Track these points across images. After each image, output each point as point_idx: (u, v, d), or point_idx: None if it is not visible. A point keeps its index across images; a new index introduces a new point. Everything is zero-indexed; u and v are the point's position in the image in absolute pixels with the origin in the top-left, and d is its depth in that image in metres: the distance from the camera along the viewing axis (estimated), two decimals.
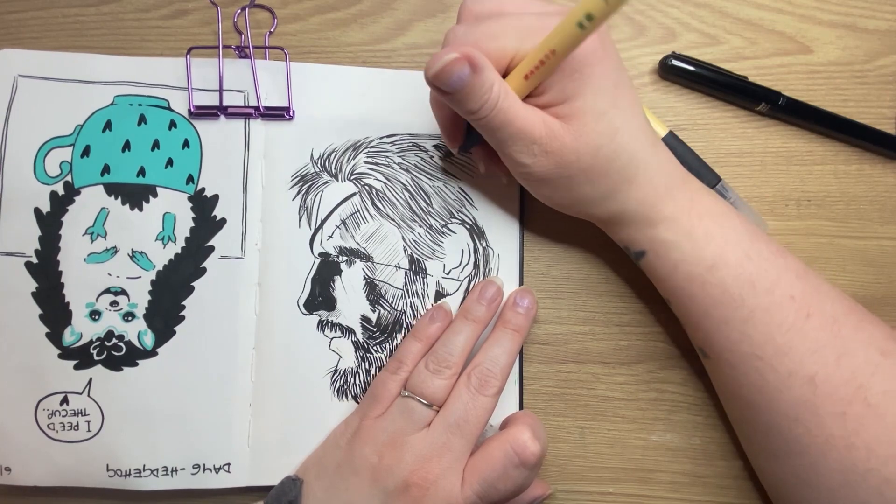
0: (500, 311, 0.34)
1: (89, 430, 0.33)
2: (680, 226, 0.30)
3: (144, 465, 0.34)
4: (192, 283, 0.35)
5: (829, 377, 0.28)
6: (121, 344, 0.34)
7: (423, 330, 0.34)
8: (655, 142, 0.30)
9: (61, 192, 0.35)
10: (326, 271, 0.35)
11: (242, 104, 0.36)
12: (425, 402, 0.31)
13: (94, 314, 0.34)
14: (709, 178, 0.36)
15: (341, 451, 0.32)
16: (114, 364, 0.34)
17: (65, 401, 0.33)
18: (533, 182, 0.31)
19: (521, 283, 0.36)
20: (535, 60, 0.26)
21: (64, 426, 0.33)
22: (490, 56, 0.27)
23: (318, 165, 0.36)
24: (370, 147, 0.36)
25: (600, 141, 0.28)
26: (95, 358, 0.34)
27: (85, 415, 0.34)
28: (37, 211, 0.34)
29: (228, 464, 0.34)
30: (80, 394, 0.34)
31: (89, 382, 0.34)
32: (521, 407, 0.36)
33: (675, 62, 0.37)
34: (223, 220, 0.35)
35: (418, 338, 0.34)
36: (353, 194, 0.36)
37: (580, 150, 0.28)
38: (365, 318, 0.35)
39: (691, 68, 0.37)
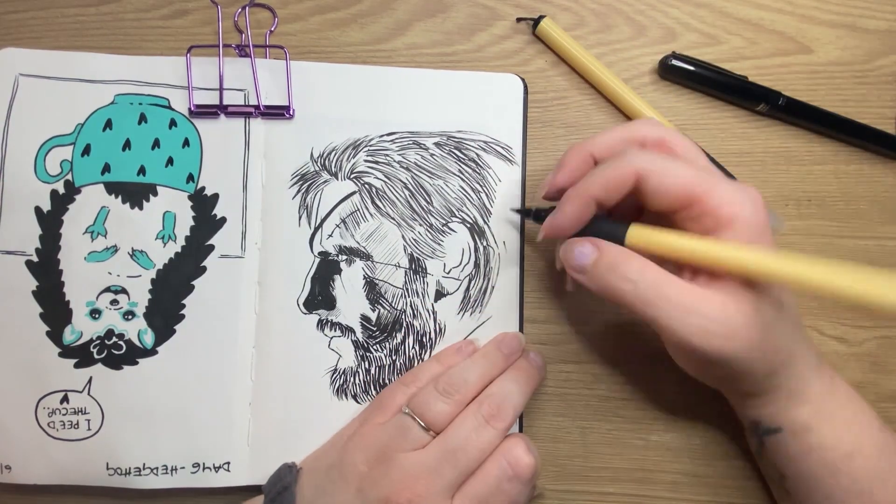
0: (516, 362, 0.34)
1: (89, 429, 0.34)
2: (824, 409, 0.30)
3: (144, 464, 0.34)
4: (192, 282, 0.35)
5: None
6: (121, 343, 0.34)
7: (448, 356, 0.34)
8: (804, 332, 0.30)
9: (62, 190, 0.35)
10: (326, 270, 0.36)
11: (242, 103, 0.36)
12: (423, 424, 0.31)
13: (95, 313, 0.35)
14: None
15: (336, 453, 0.32)
16: (114, 363, 0.34)
17: (65, 399, 0.34)
18: (705, 364, 0.29)
19: (521, 283, 0.36)
20: (702, 261, 0.26)
21: (64, 424, 0.34)
22: (667, 191, 0.27)
23: (318, 164, 0.36)
24: (370, 145, 0.37)
25: (772, 312, 0.28)
26: (96, 356, 0.34)
27: (85, 413, 0.34)
28: (37, 209, 0.35)
29: (228, 462, 0.35)
30: (81, 392, 0.34)
31: (89, 381, 0.34)
32: None
33: (675, 62, 0.37)
34: (223, 219, 0.36)
35: (440, 361, 0.34)
36: (353, 193, 0.36)
37: (758, 325, 0.27)
38: (365, 318, 0.36)
39: (691, 68, 0.37)
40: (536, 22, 0.37)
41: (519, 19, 0.38)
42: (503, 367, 0.33)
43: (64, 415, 0.34)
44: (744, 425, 0.33)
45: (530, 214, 0.33)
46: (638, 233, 0.29)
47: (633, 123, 0.31)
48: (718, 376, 0.31)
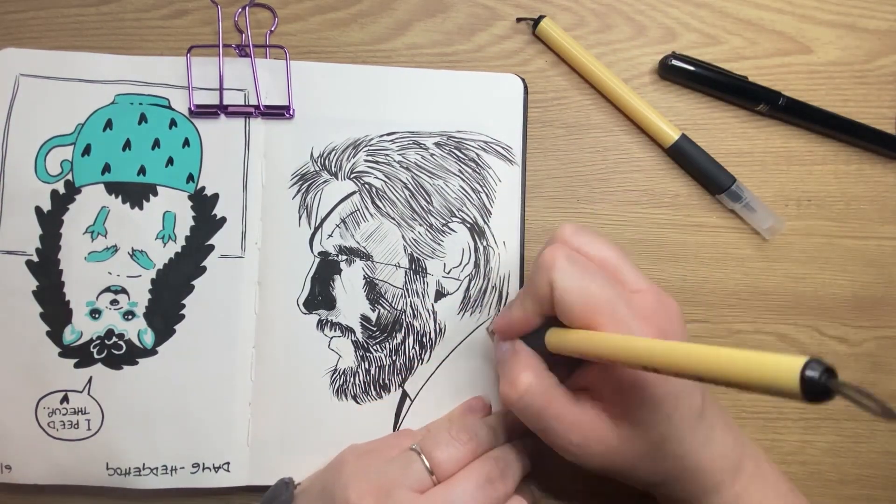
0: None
1: (89, 429, 0.34)
2: (740, 500, 0.30)
3: (144, 464, 0.34)
4: (192, 282, 0.35)
5: None
6: (121, 342, 0.34)
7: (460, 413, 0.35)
8: (711, 432, 0.29)
9: (62, 190, 0.35)
10: (326, 270, 0.36)
11: (243, 103, 0.37)
12: (428, 466, 0.30)
13: (95, 313, 0.35)
14: (724, 179, 0.36)
15: (332, 476, 0.31)
16: (114, 363, 0.34)
17: (65, 399, 0.34)
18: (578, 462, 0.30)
19: (521, 283, 0.36)
20: (594, 352, 0.26)
21: (64, 424, 0.34)
22: (581, 320, 0.27)
23: (318, 164, 0.36)
24: (370, 145, 0.37)
25: (646, 448, 0.28)
26: (95, 356, 0.34)
27: (85, 413, 0.34)
28: (38, 209, 0.35)
29: (228, 463, 0.35)
30: (81, 392, 0.34)
31: (89, 381, 0.34)
32: None
33: (675, 62, 0.37)
34: (223, 219, 0.36)
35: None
36: (353, 193, 0.36)
37: (625, 453, 0.28)
38: (364, 318, 0.36)
39: (691, 68, 0.37)
40: (536, 22, 0.37)
41: (519, 19, 0.38)
42: (505, 440, 0.33)
43: (64, 415, 0.34)
44: None
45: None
46: (555, 334, 0.29)
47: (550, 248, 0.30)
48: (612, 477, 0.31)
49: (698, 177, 0.37)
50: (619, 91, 0.37)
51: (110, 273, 0.35)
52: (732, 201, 0.37)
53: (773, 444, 0.37)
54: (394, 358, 0.36)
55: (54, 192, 0.35)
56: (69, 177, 0.35)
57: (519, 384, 0.29)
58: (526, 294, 0.30)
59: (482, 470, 0.30)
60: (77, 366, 0.34)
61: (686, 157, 0.37)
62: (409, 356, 0.36)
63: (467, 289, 0.36)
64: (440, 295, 0.36)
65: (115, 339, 0.34)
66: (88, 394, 0.34)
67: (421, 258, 0.36)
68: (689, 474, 0.29)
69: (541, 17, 0.37)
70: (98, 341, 0.34)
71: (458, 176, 0.37)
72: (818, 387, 0.16)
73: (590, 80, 0.38)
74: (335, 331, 0.36)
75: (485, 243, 0.36)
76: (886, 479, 0.37)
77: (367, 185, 0.36)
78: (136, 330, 0.35)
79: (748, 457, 0.31)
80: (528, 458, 0.33)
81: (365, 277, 0.36)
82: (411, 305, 0.36)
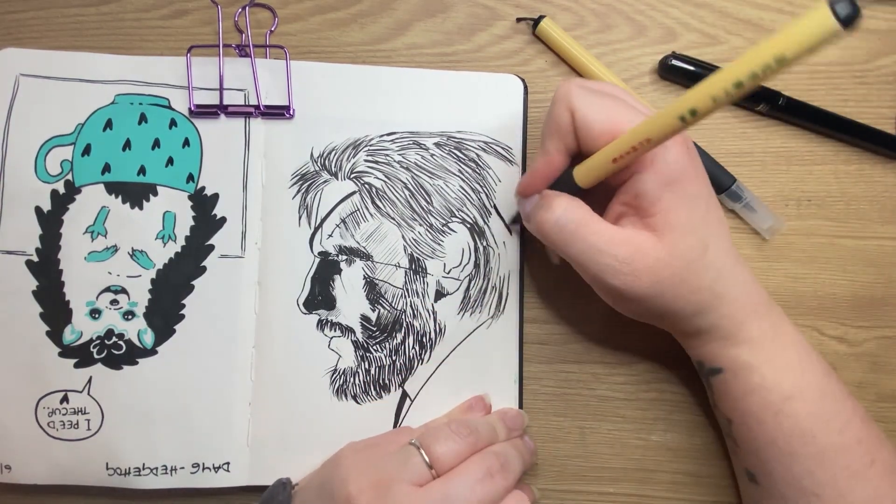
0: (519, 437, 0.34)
1: (89, 429, 0.34)
2: (764, 350, 0.30)
3: (144, 464, 0.34)
4: (192, 282, 0.35)
5: None
6: (121, 342, 0.34)
7: (460, 412, 0.35)
8: (739, 260, 0.31)
9: (62, 190, 0.35)
10: (326, 270, 0.36)
11: (243, 103, 0.37)
12: (428, 460, 0.30)
13: (95, 313, 0.35)
14: (724, 179, 0.36)
15: (330, 470, 0.31)
16: (114, 363, 0.34)
17: (65, 399, 0.34)
18: (622, 300, 0.30)
19: (521, 283, 0.36)
20: (626, 145, 0.26)
21: (64, 424, 0.34)
22: (607, 137, 0.28)
23: (318, 164, 0.36)
24: (370, 145, 0.37)
25: (692, 255, 0.29)
26: (95, 356, 0.34)
27: (85, 413, 0.34)
28: (38, 209, 0.35)
29: (228, 463, 0.35)
30: (81, 392, 0.34)
31: (89, 381, 0.34)
32: (520, 407, 0.36)
33: (675, 62, 0.37)
34: (223, 219, 0.36)
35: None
36: (353, 193, 0.36)
37: (673, 265, 0.28)
38: (364, 318, 0.36)
39: (691, 68, 0.37)
40: (536, 22, 0.37)
41: (519, 19, 0.38)
42: (505, 437, 0.33)
43: (64, 415, 0.34)
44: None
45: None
46: (581, 166, 0.30)
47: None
48: (644, 313, 0.31)
49: None
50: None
51: (110, 273, 0.35)
52: (732, 201, 0.37)
53: None
54: (394, 358, 0.36)
55: (54, 192, 0.35)
56: (69, 177, 0.35)
57: (555, 206, 0.29)
58: (547, 134, 0.30)
59: (482, 463, 0.30)
60: (77, 366, 0.34)
61: None
62: (409, 356, 0.36)
63: (467, 289, 0.36)
64: (440, 295, 0.36)
65: (114, 339, 0.34)
66: (88, 394, 0.34)
67: (421, 258, 0.36)
68: (730, 292, 0.30)
69: (541, 17, 0.37)
70: (98, 341, 0.34)
71: (458, 176, 0.37)
72: (850, 15, 0.19)
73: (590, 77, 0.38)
74: (335, 331, 0.36)
75: (485, 243, 0.36)
76: None
77: (367, 185, 0.36)
78: (136, 330, 0.35)
79: (772, 300, 0.31)
80: (529, 455, 0.34)
81: (365, 277, 0.36)
82: (411, 305, 0.36)
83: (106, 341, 0.34)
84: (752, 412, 0.30)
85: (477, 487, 0.29)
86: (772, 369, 0.30)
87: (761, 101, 0.37)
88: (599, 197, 0.31)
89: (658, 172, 0.28)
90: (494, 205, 0.36)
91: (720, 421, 0.34)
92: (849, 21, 0.19)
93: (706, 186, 0.30)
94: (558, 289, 0.37)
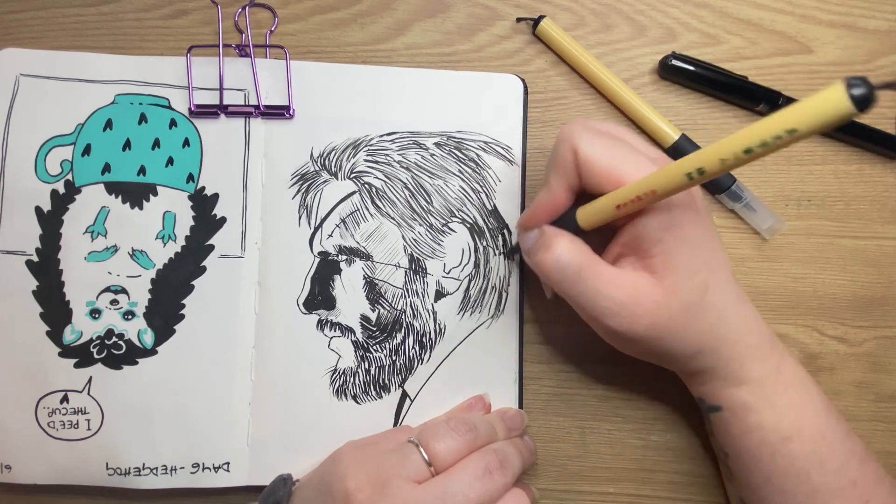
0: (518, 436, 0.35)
1: (89, 429, 0.34)
2: (764, 392, 0.30)
3: (144, 464, 0.34)
4: (192, 282, 0.35)
5: None
6: (121, 342, 0.35)
7: (459, 411, 0.35)
8: (743, 299, 0.31)
9: (62, 190, 0.35)
10: (326, 270, 0.36)
11: (243, 103, 0.37)
12: (426, 457, 0.30)
13: (95, 312, 0.35)
14: (724, 179, 0.37)
15: (329, 467, 0.31)
16: (114, 362, 0.35)
17: (65, 399, 0.34)
18: (620, 341, 0.31)
19: (521, 283, 0.37)
20: (631, 194, 0.27)
21: (64, 424, 0.34)
22: (609, 180, 0.28)
23: (318, 164, 0.36)
24: (370, 145, 0.37)
25: (692, 299, 0.29)
26: (95, 356, 0.34)
27: (85, 413, 0.34)
28: (38, 209, 0.35)
29: (228, 463, 0.35)
30: (81, 392, 0.34)
31: (89, 381, 0.34)
32: (520, 407, 0.36)
33: (675, 62, 0.37)
34: (223, 219, 0.36)
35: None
36: (353, 193, 0.36)
37: (672, 308, 0.28)
38: (364, 318, 0.36)
39: (691, 68, 0.37)
40: (536, 22, 0.38)
41: (519, 19, 0.38)
42: (505, 436, 0.34)
43: (64, 415, 0.34)
44: None
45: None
46: (584, 208, 0.30)
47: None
48: (643, 353, 0.32)
49: None
50: (619, 91, 0.37)
51: (110, 273, 0.35)
52: (732, 201, 0.37)
53: None
54: (394, 358, 0.36)
55: (54, 192, 0.35)
56: (69, 177, 0.35)
57: (555, 246, 0.29)
58: (551, 170, 0.30)
59: (481, 461, 0.30)
60: (77, 366, 0.34)
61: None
62: (409, 356, 0.36)
63: (467, 289, 0.36)
64: (440, 295, 0.36)
65: (114, 338, 0.34)
66: (88, 394, 0.34)
67: (421, 258, 0.36)
68: (731, 334, 0.30)
69: (541, 17, 0.38)
70: (98, 341, 0.34)
71: (458, 176, 0.37)
72: (865, 97, 0.19)
73: (590, 80, 0.38)
74: (335, 331, 0.36)
75: (485, 243, 0.37)
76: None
77: (366, 185, 0.36)
78: (136, 330, 0.35)
79: (775, 336, 0.32)
80: (529, 454, 0.34)
81: (365, 277, 0.36)
82: (411, 305, 0.36)
83: (106, 341, 0.34)
84: (749, 450, 0.31)
85: (476, 484, 0.29)
86: (771, 410, 0.30)
87: (761, 101, 0.37)
88: (600, 235, 0.31)
89: (659, 215, 0.28)
90: (495, 205, 0.37)
91: (717, 451, 0.34)
92: (863, 104, 0.19)
93: (708, 227, 0.30)
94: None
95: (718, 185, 0.37)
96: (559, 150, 0.30)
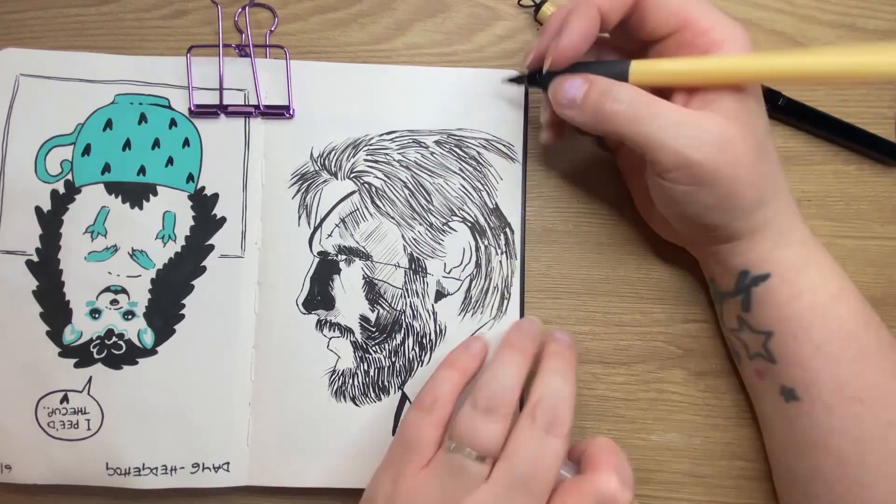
0: (545, 347, 0.31)
1: (89, 429, 0.34)
2: (812, 251, 0.30)
3: (144, 464, 0.34)
4: (192, 282, 0.35)
5: None
6: (121, 342, 0.35)
7: (460, 360, 0.31)
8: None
9: (62, 190, 0.35)
10: (325, 270, 0.36)
11: (242, 103, 0.37)
12: (477, 454, 0.27)
13: (95, 312, 0.35)
14: None
15: None
16: (114, 362, 0.35)
17: (65, 399, 0.34)
18: (693, 186, 0.28)
19: (522, 283, 0.37)
20: (712, 78, 0.27)
21: (64, 424, 0.34)
22: (661, 8, 0.28)
23: (318, 164, 0.37)
24: (370, 145, 0.37)
25: (760, 139, 0.29)
26: (95, 356, 0.35)
27: (85, 413, 0.34)
28: (38, 209, 0.35)
29: (227, 463, 0.35)
30: (81, 392, 0.34)
31: (89, 381, 0.34)
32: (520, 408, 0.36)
33: None
34: (223, 219, 0.36)
35: (454, 367, 0.30)
36: (353, 192, 0.36)
37: (748, 142, 0.28)
38: (364, 318, 0.36)
39: None
40: (538, 7, 0.38)
41: (521, 3, 0.38)
42: (533, 352, 0.30)
43: (64, 415, 0.34)
44: (723, 298, 0.33)
45: (524, 80, 0.33)
46: (641, 66, 0.29)
47: None
48: (708, 208, 0.29)
49: None
50: None
51: (110, 273, 0.35)
52: None
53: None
54: (393, 359, 0.36)
55: (54, 192, 0.35)
56: (69, 177, 0.36)
57: (623, 95, 0.28)
58: (589, 2, 0.28)
59: (533, 425, 0.27)
60: (77, 366, 0.34)
61: None
62: (409, 357, 0.36)
63: (468, 289, 0.36)
64: (440, 295, 0.36)
65: (114, 338, 0.35)
66: (88, 394, 0.34)
67: (421, 258, 0.36)
68: (785, 185, 0.30)
69: (543, 1, 0.38)
70: (98, 341, 0.35)
71: (459, 174, 0.37)
72: None
73: None
74: (334, 331, 0.36)
75: (486, 242, 0.37)
76: None
77: (366, 185, 0.36)
78: (136, 330, 0.35)
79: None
80: (569, 355, 0.30)
81: (364, 277, 0.36)
82: (411, 306, 0.36)
83: (106, 341, 0.35)
84: (800, 317, 0.30)
85: (539, 455, 0.26)
86: (819, 270, 0.30)
87: None
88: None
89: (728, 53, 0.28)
90: (497, 203, 0.37)
91: (746, 344, 0.32)
92: None
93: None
94: (558, 289, 0.38)
95: None
96: None
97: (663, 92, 0.29)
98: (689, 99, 0.29)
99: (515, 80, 0.35)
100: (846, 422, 0.29)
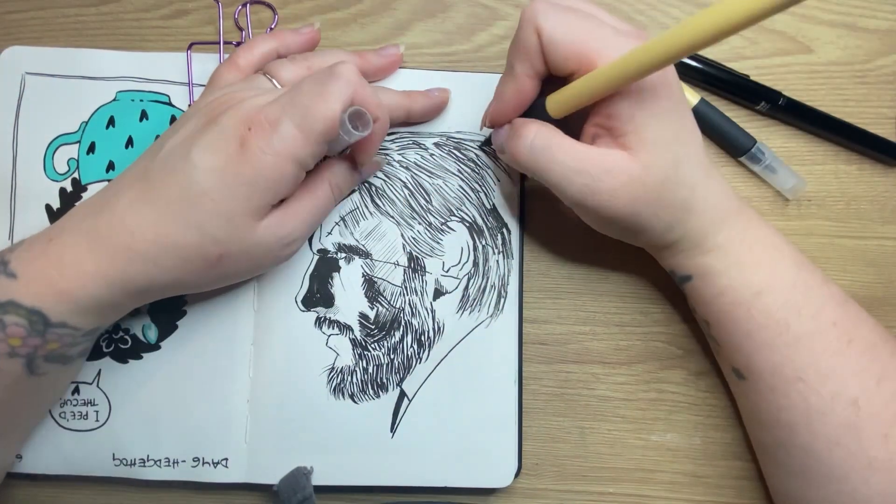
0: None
1: (98, 420, 0.42)
2: (730, 254, 0.37)
3: (148, 455, 0.42)
4: None
5: (871, 399, 0.35)
6: (126, 337, 0.42)
7: (285, 34, 0.42)
8: (712, 171, 0.37)
9: (69, 188, 0.43)
10: (325, 268, 0.44)
11: None
12: (276, 83, 0.38)
13: None
14: (744, 141, 0.44)
15: (167, 132, 0.37)
16: (121, 356, 0.42)
17: (76, 390, 0.42)
18: (600, 220, 0.37)
19: (520, 282, 0.44)
20: (604, 77, 0.32)
21: (74, 415, 0.42)
22: (577, 58, 0.33)
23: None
24: None
25: (665, 173, 0.35)
26: (104, 350, 0.42)
27: (94, 405, 0.42)
28: (48, 207, 0.43)
29: (226, 459, 0.42)
30: (91, 384, 0.42)
31: (98, 373, 0.42)
32: (520, 408, 0.43)
33: None
34: None
35: (276, 37, 0.41)
36: (353, 191, 0.44)
37: (648, 182, 0.34)
38: (363, 316, 0.44)
39: (693, 63, 0.45)
40: None
41: None
42: (378, 68, 0.43)
43: (74, 406, 0.42)
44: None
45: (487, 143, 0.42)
46: (553, 97, 0.36)
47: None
48: (621, 232, 0.38)
49: (719, 140, 0.45)
50: None
51: None
52: (753, 163, 0.44)
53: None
54: (392, 356, 0.43)
55: (62, 190, 0.43)
56: (76, 175, 0.43)
57: (526, 132, 0.35)
58: (514, 57, 0.35)
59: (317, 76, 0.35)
60: (87, 358, 0.42)
61: (706, 121, 0.44)
62: (408, 355, 0.43)
63: (466, 287, 0.44)
64: (439, 293, 0.44)
65: (121, 333, 0.42)
66: (97, 386, 0.42)
67: (420, 256, 0.44)
68: (700, 205, 0.36)
69: None
70: (106, 335, 0.42)
71: (458, 175, 0.45)
72: None
73: None
74: (333, 328, 0.43)
75: (483, 242, 0.44)
76: None
77: (366, 184, 0.44)
78: (141, 325, 0.43)
79: (745, 204, 0.39)
80: (417, 101, 0.43)
81: (364, 275, 0.44)
82: (410, 304, 0.44)
83: (113, 335, 0.42)
84: (726, 311, 0.38)
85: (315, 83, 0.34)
86: (739, 269, 0.37)
87: (762, 99, 0.45)
88: (569, 121, 0.37)
89: (631, 92, 0.33)
90: (494, 204, 0.45)
91: (700, 324, 0.42)
92: None
93: (679, 100, 0.35)
94: (558, 289, 0.45)
95: (740, 148, 0.44)
96: (522, 33, 0.34)
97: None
98: (598, 131, 0.36)
99: (484, 144, 0.44)
100: (791, 398, 0.36)
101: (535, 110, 0.37)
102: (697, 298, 0.39)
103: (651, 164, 0.34)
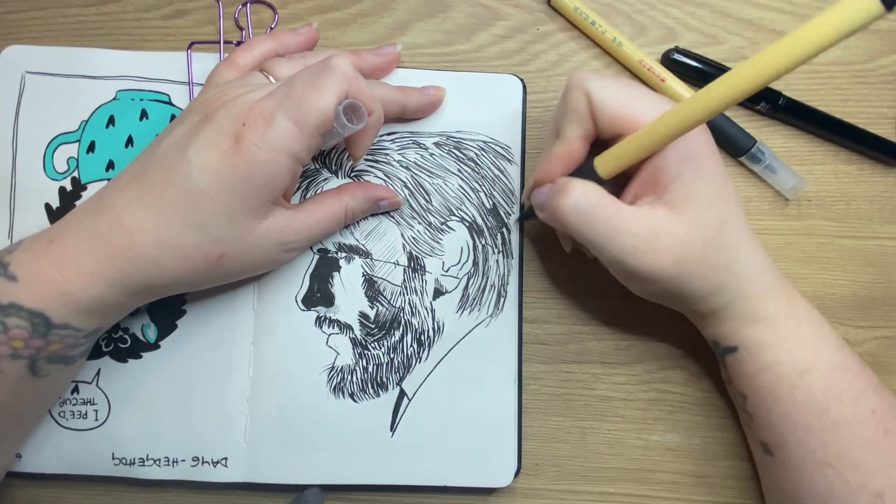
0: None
1: (97, 419, 0.42)
2: (778, 327, 0.37)
3: (147, 455, 0.42)
4: None
5: (895, 496, 0.35)
6: (126, 336, 0.42)
7: (284, 34, 0.41)
8: (754, 238, 0.37)
9: (69, 187, 0.43)
10: (325, 267, 0.44)
11: None
12: (272, 79, 0.38)
13: None
14: (744, 141, 0.44)
15: (163, 131, 0.37)
16: (120, 355, 0.42)
17: (75, 390, 0.42)
18: (642, 281, 0.36)
19: (520, 282, 0.44)
20: (653, 133, 0.33)
21: (74, 414, 0.42)
22: (625, 119, 0.34)
23: (318, 162, 0.45)
24: None
25: (710, 233, 0.35)
26: (104, 349, 0.42)
27: (93, 404, 0.42)
28: (47, 206, 0.43)
29: (226, 458, 0.42)
30: (90, 383, 0.42)
31: (98, 373, 0.42)
32: (520, 407, 0.43)
33: (677, 56, 0.45)
34: None
35: (275, 37, 0.41)
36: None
37: (692, 242, 0.34)
38: (363, 315, 0.44)
39: (694, 63, 0.45)
40: None
41: None
42: (375, 67, 0.43)
43: (74, 405, 0.42)
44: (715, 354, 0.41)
45: (531, 215, 0.42)
46: (601, 158, 0.36)
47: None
48: (663, 295, 0.38)
49: (719, 140, 0.44)
50: (634, 56, 0.45)
51: None
52: (753, 163, 0.44)
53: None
54: (392, 356, 0.44)
55: (62, 189, 0.43)
56: (76, 174, 0.44)
57: (571, 190, 0.34)
58: (563, 121, 0.36)
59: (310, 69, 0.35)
60: (87, 357, 0.42)
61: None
62: (408, 354, 0.44)
63: (466, 287, 0.44)
64: (439, 293, 0.44)
65: (120, 332, 0.42)
66: (97, 385, 0.42)
67: (420, 256, 0.44)
68: (746, 270, 0.36)
69: None
70: (105, 334, 0.42)
71: (458, 175, 0.45)
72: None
73: (607, 49, 0.46)
74: (333, 328, 0.44)
75: (483, 242, 0.45)
76: None
77: None
78: (140, 324, 0.43)
79: (783, 276, 0.38)
80: (412, 98, 0.43)
81: (364, 275, 0.44)
82: (410, 303, 0.44)
83: (112, 335, 0.42)
84: (767, 387, 0.37)
85: (306, 78, 0.34)
86: (786, 346, 0.36)
87: (762, 99, 0.45)
88: (610, 184, 0.37)
89: (675, 150, 0.34)
90: (494, 204, 0.45)
91: (734, 397, 0.41)
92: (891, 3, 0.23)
93: (720, 162, 0.36)
94: (558, 288, 0.45)
95: (740, 148, 0.44)
96: (571, 97, 0.35)
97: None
98: (641, 190, 0.36)
99: (522, 217, 0.44)
100: (816, 483, 0.36)
101: (583, 171, 0.37)
102: (739, 371, 0.39)
103: (695, 222, 0.34)
